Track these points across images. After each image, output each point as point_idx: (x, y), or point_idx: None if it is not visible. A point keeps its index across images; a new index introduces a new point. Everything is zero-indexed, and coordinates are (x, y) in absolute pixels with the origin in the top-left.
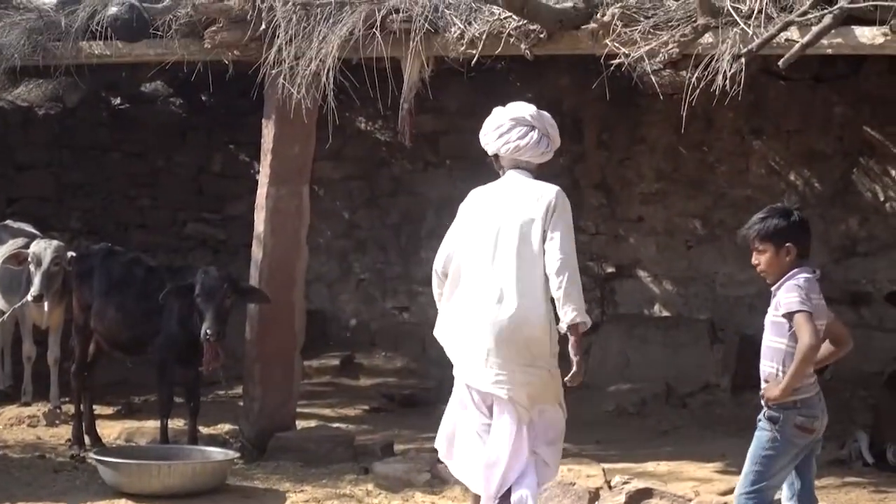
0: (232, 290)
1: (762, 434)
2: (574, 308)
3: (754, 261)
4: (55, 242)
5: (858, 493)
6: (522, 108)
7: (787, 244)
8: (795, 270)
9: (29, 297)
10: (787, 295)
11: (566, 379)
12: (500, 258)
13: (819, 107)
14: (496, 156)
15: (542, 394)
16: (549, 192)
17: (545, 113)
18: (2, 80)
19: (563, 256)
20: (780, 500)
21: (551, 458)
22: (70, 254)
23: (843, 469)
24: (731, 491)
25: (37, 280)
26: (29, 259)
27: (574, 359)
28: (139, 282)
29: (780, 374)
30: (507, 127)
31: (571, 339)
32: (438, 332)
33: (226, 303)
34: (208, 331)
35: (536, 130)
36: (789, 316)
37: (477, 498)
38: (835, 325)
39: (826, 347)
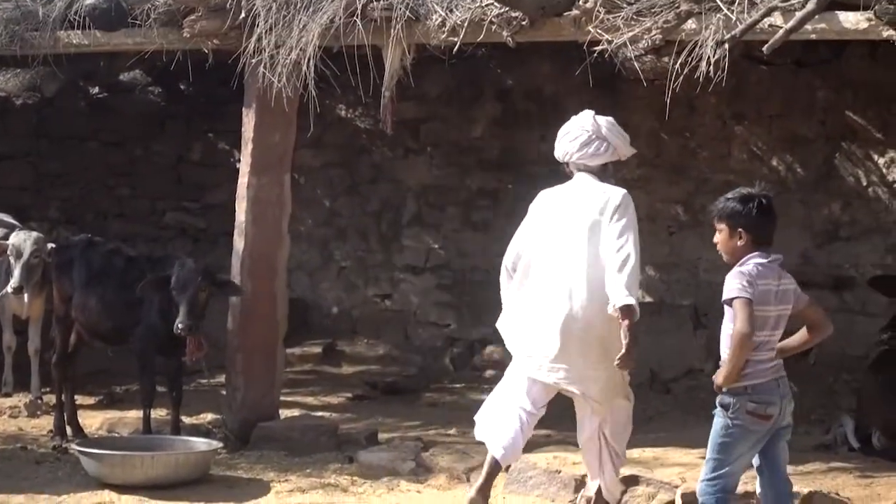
0: (208, 283)
1: (717, 421)
2: (628, 292)
3: (714, 238)
4: (35, 234)
5: (844, 479)
6: (584, 116)
7: (739, 229)
8: (749, 256)
9: (9, 289)
10: (730, 281)
11: (616, 362)
12: (569, 257)
13: (801, 91)
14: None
15: (612, 388)
16: (615, 193)
17: (608, 119)
18: None
19: (625, 246)
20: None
21: (621, 448)
22: (50, 245)
23: (828, 454)
24: None
25: (17, 272)
26: (8, 251)
27: (624, 342)
28: (119, 272)
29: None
30: (571, 134)
31: (624, 323)
32: (501, 325)
33: (200, 296)
34: (180, 325)
35: (593, 135)
36: (728, 302)
37: (491, 469)
38: (809, 310)
39: (801, 334)
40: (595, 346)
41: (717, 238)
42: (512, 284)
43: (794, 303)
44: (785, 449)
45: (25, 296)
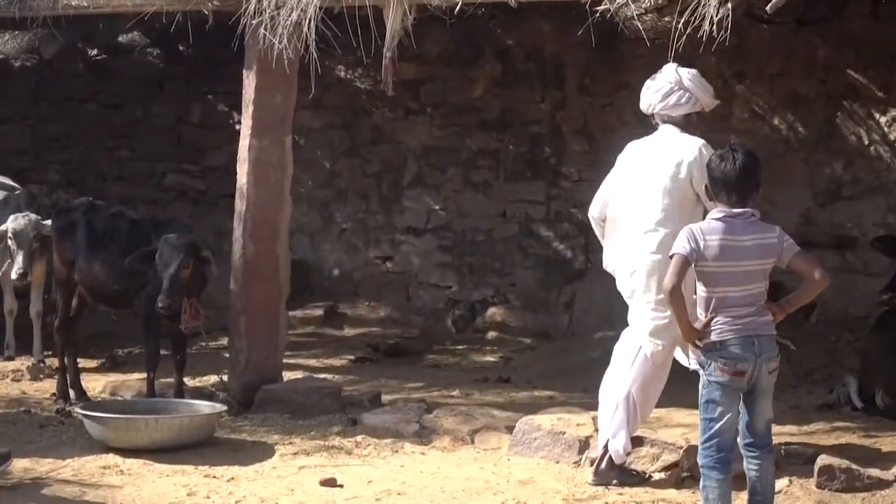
0: (190, 260)
1: (700, 381)
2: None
3: None
4: (33, 218)
5: (848, 438)
6: (667, 68)
7: (708, 184)
8: (713, 212)
9: (14, 276)
10: (678, 237)
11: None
12: (648, 207)
13: (802, 50)
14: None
15: (661, 332)
16: (693, 145)
17: (690, 70)
18: None
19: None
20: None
21: (644, 408)
22: (46, 223)
23: (832, 413)
24: None
25: (19, 258)
26: (9, 236)
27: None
28: (124, 236)
29: (701, 316)
30: (654, 86)
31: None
32: (606, 266)
33: (182, 273)
34: (160, 303)
35: (675, 86)
36: (671, 257)
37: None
38: (795, 261)
39: (800, 287)
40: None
41: None
42: (606, 230)
43: (779, 256)
44: (762, 403)
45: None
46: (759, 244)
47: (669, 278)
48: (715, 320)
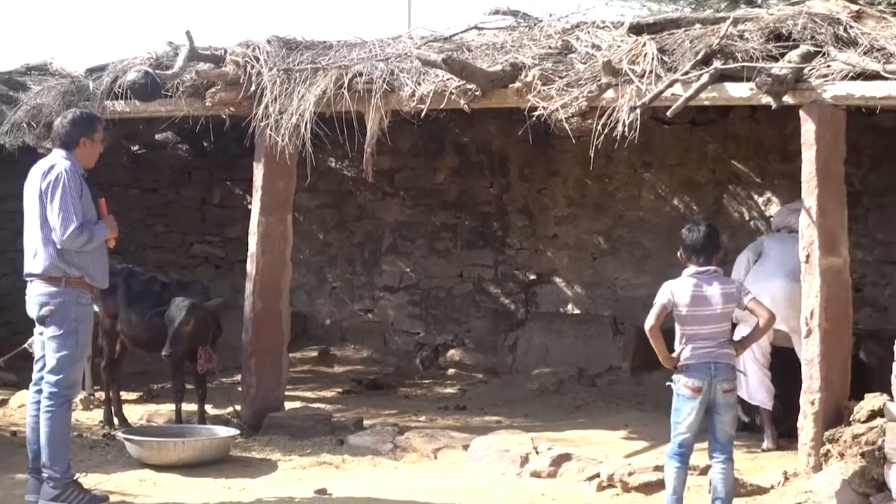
0: (191, 317)
1: (673, 394)
2: None
3: None
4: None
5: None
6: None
7: (680, 249)
8: (686, 269)
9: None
10: (661, 289)
11: None
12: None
13: (695, 145)
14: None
15: None
16: None
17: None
18: (42, 132)
19: None
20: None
21: None
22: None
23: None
24: (634, 453)
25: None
26: None
27: None
28: (155, 295)
29: (678, 347)
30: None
31: None
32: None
33: (184, 329)
34: (164, 352)
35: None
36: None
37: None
38: (751, 305)
39: (755, 325)
40: None
41: None
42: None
43: (738, 302)
44: (719, 418)
45: None
46: (723, 293)
47: (650, 321)
48: (685, 349)
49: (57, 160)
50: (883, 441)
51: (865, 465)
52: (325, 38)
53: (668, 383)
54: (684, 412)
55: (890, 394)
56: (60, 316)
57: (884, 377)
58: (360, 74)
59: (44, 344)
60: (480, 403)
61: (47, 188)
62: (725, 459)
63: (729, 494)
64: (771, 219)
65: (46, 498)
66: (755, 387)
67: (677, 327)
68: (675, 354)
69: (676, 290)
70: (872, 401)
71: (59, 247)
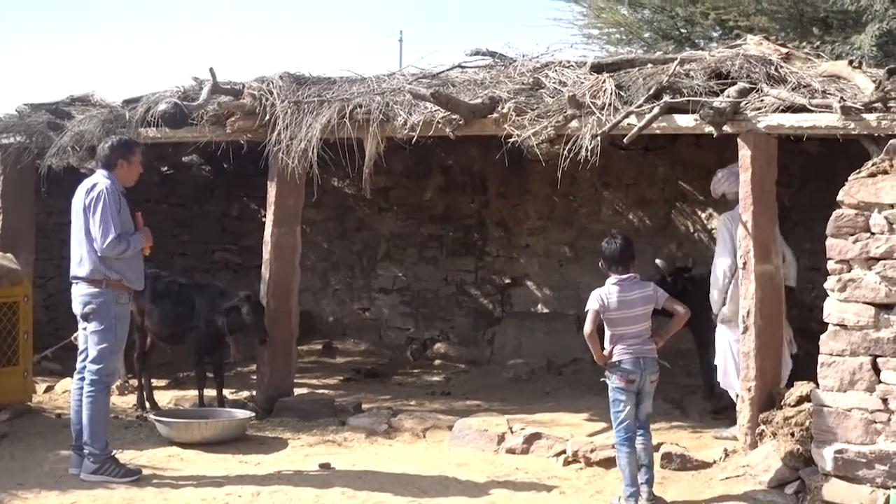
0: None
1: (609, 388)
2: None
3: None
4: None
5: (681, 434)
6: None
7: (601, 260)
8: (610, 278)
9: None
10: (590, 297)
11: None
12: None
13: (648, 168)
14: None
15: None
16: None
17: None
18: (84, 155)
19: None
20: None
21: None
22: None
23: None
24: (596, 433)
25: None
26: None
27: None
28: (175, 295)
29: (608, 346)
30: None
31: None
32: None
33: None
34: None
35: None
36: (586, 312)
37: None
38: (667, 304)
39: (671, 322)
40: None
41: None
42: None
43: (656, 302)
44: (646, 402)
45: None
46: (642, 296)
47: (588, 327)
48: (616, 348)
49: (99, 179)
50: (810, 422)
51: (795, 443)
52: (329, 75)
53: (602, 379)
54: (623, 402)
55: (816, 382)
56: (101, 313)
57: (810, 367)
58: (360, 106)
59: (86, 338)
60: (463, 390)
61: (90, 203)
62: (645, 433)
63: (650, 460)
64: (711, 188)
65: (87, 471)
66: (724, 373)
67: (607, 329)
68: (606, 352)
69: (605, 297)
70: (801, 388)
71: (99, 254)
